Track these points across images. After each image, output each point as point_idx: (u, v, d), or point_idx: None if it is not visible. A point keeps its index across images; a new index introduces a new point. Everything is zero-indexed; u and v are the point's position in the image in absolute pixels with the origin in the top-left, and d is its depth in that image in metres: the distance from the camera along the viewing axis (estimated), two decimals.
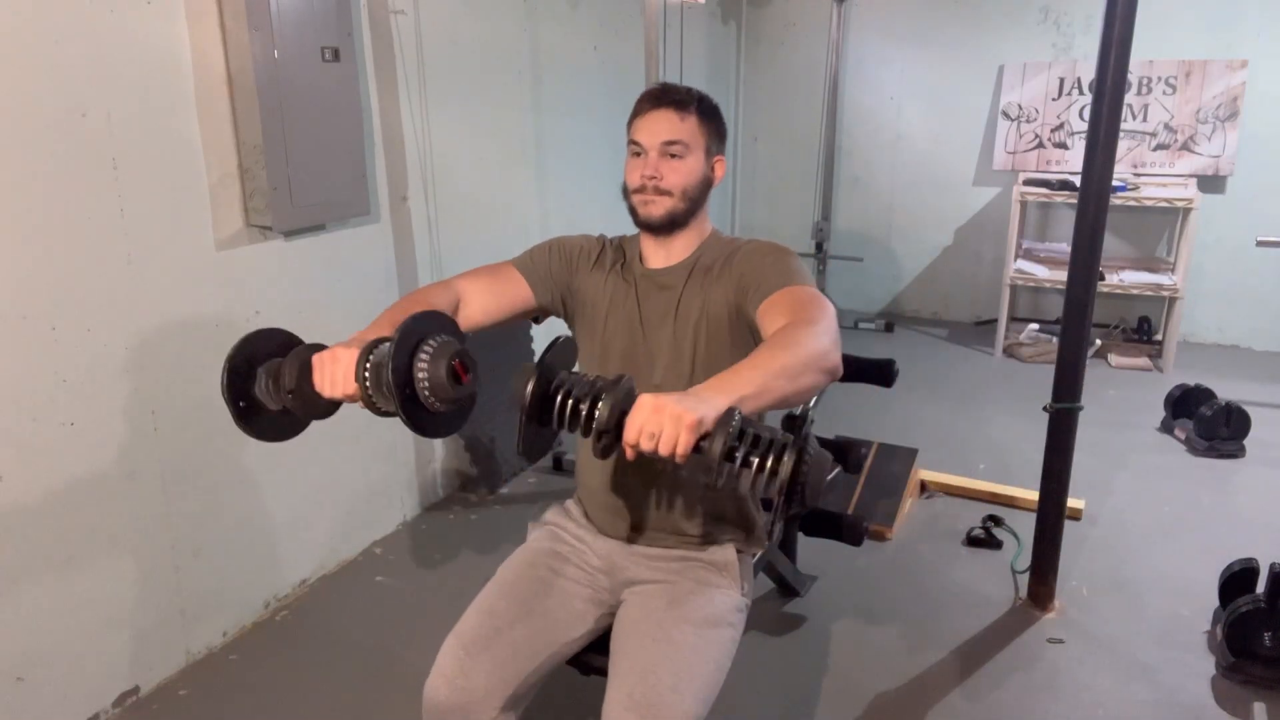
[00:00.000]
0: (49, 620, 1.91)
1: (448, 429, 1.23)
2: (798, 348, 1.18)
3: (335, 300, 2.56)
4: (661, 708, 1.26)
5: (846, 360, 2.70)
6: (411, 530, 2.92)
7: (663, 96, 1.49)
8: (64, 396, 1.88)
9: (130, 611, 2.08)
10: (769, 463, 1.02)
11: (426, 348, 1.15)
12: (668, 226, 1.50)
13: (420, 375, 1.14)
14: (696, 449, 1.03)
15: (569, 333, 1.60)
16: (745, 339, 1.47)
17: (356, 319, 2.64)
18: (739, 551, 1.56)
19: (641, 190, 1.48)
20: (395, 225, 2.74)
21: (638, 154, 1.49)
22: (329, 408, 1.25)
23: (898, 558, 2.73)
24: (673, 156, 1.47)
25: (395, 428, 2.86)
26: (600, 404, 1.07)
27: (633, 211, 1.52)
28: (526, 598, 1.47)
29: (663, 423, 1.01)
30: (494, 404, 3.19)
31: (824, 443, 2.47)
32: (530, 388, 1.10)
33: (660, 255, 1.54)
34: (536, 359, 1.14)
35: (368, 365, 1.16)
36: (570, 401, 1.11)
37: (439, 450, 3.06)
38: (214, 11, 2.07)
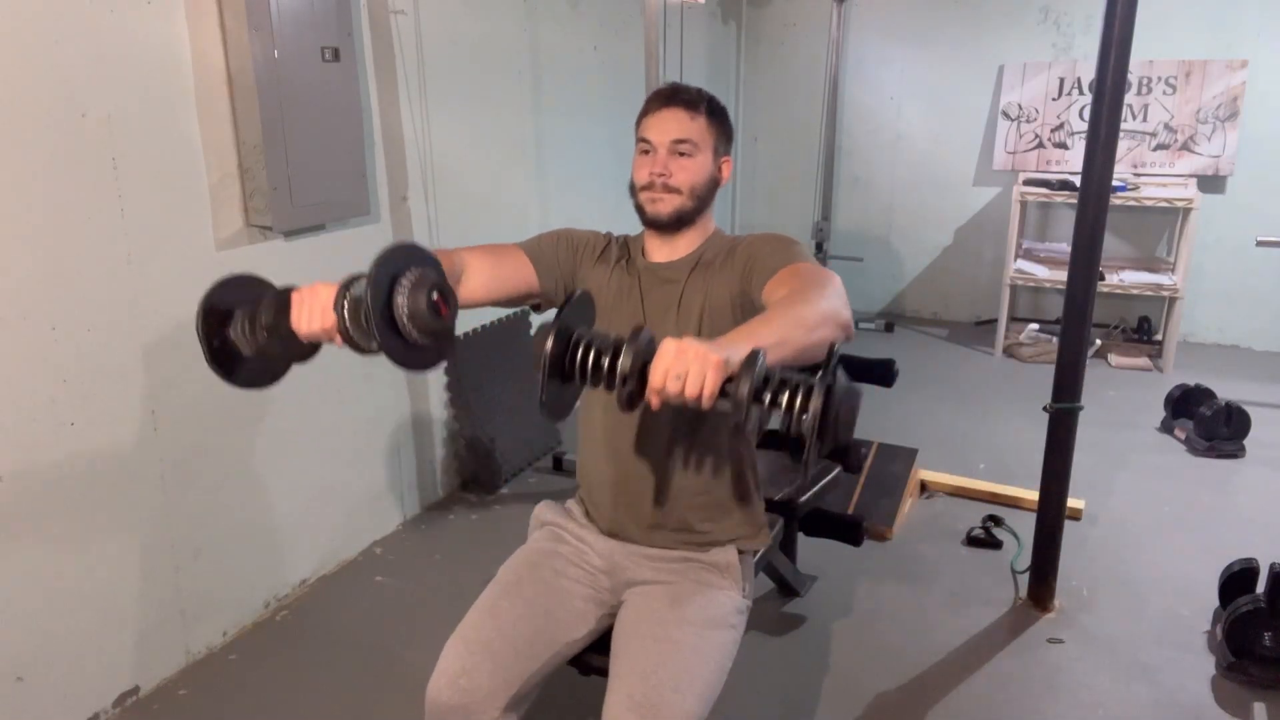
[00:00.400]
0: (49, 620, 1.91)
1: (425, 363, 1.21)
2: (812, 303, 1.20)
3: None
4: (662, 708, 1.26)
5: (847, 361, 2.71)
6: (411, 530, 2.92)
7: (673, 96, 1.50)
8: (64, 396, 1.88)
9: (130, 611, 2.08)
10: (798, 399, 1.00)
11: (405, 279, 1.13)
12: (674, 225, 1.51)
13: (400, 304, 1.12)
14: (723, 393, 1.01)
15: (587, 290, 1.59)
16: None
17: None
18: (740, 551, 1.56)
19: (650, 187, 1.49)
20: (395, 225, 2.74)
21: (646, 151, 1.49)
22: (307, 349, 1.24)
23: (898, 558, 2.73)
24: (681, 155, 1.48)
25: (395, 428, 2.86)
26: (623, 353, 1.05)
27: (639, 209, 1.53)
28: (529, 598, 1.47)
29: (688, 363, 1.00)
30: (494, 404, 3.19)
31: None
32: (550, 343, 1.07)
33: (664, 251, 1.54)
34: (555, 314, 1.11)
35: (346, 298, 1.14)
36: (591, 354, 1.08)
37: (439, 450, 3.06)
38: (214, 11, 2.07)
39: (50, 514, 1.89)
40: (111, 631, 2.04)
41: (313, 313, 1.17)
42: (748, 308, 1.43)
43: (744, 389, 0.99)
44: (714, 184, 1.53)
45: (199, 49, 2.07)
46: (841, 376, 1.02)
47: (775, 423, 1.05)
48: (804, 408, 0.99)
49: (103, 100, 1.88)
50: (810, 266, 1.36)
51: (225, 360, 1.24)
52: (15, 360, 1.79)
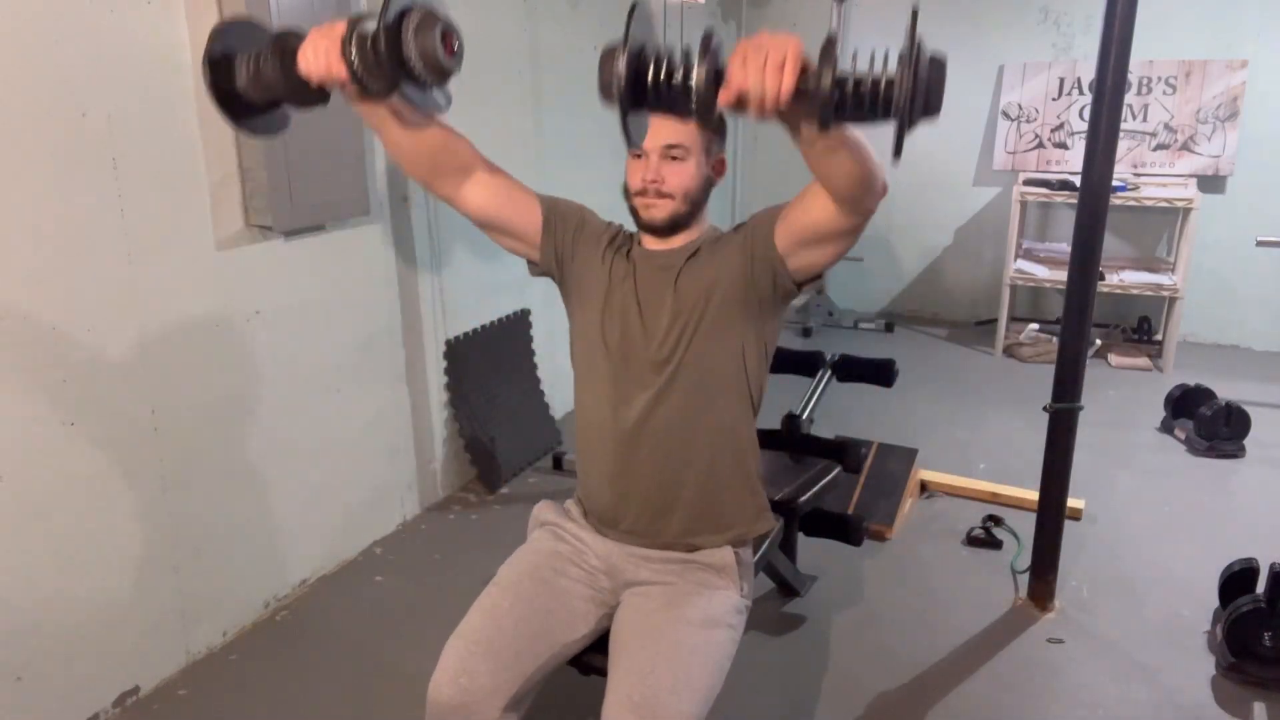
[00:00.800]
0: (49, 620, 1.91)
1: (431, 105, 1.22)
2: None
3: (335, 300, 2.56)
4: (660, 708, 1.26)
5: (847, 361, 2.71)
6: (411, 530, 2.92)
7: None
8: (64, 396, 1.88)
9: (130, 611, 2.08)
10: (883, 78, 0.97)
11: (413, 15, 1.12)
12: (669, 228, 1.51)
13: (409, 38, 1.11)
14: (799, 94, 0.98)
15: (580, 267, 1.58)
16: (753, 313, 1.47)
17: (357, 319, 2.65)
18: (737, 550, 1.55)
19: (643, 193, 1.49)
20: (395, 225, 2.74)
21: (638, 156, 1.48)
22: (313, 94, 1.22)
23: (898, 558, 2.73)
24: (674, 159, 1.47)
25: (395, 428, 2.86)
26: (698, 58, 1.02)
27: (634, 213, 1.52)
28: (529, 597, 1.47)
29: (766, 48, 0.98)
30: (494, 404, 3.19)
31: (824, 443, 2.49)
32: (622, 64, 1.03)
33: (660, 245, 1.54)
34: (623, 33, 1.05)
35: (354, 36, 1.13)
36: (664, 66, 1.05)
37: (439, 450, 3.06)
38: (214, 11, 2.07)
39: (50, 514, 1.88)
40: (111, 631, 2.04)
41: (318, 50, 1.16)
42: (760, 271, 1.43)
43: (827, 76, 0.95)
44: (708, 184, 1.53)
45: (199, 48, 2.05)
46: (923, 43, 0.98)
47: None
48: (889, 83, 0.96)
49: (103, 100, 1.88)
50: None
51: (228, 98, 1.23)
52: (15, 360, 1.79)
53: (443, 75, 1.15)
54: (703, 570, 1.51)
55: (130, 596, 2.07)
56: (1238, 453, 3.42)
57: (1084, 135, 2.22)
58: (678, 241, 1.53)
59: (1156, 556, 2.73)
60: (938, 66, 0.97)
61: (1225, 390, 3.64)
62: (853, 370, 2.60)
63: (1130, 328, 4.76)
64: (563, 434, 3.48)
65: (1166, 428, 3.67)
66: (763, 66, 0.98)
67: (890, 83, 0.96)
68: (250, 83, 1.22)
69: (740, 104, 1.02)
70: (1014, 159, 4.90)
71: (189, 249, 2.11)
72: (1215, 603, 2.38)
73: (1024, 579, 2.52)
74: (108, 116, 1.89)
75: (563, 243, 1.57)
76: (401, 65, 1.12)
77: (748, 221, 1.49)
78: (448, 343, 3.02)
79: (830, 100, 0.97)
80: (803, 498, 2.24)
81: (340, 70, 1.15)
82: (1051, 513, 2.39)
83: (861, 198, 1.26)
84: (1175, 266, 4.50)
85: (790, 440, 2.45)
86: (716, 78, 1.02)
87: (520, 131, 3.35)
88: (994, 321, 4.77)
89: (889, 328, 5.16)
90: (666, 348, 1.47)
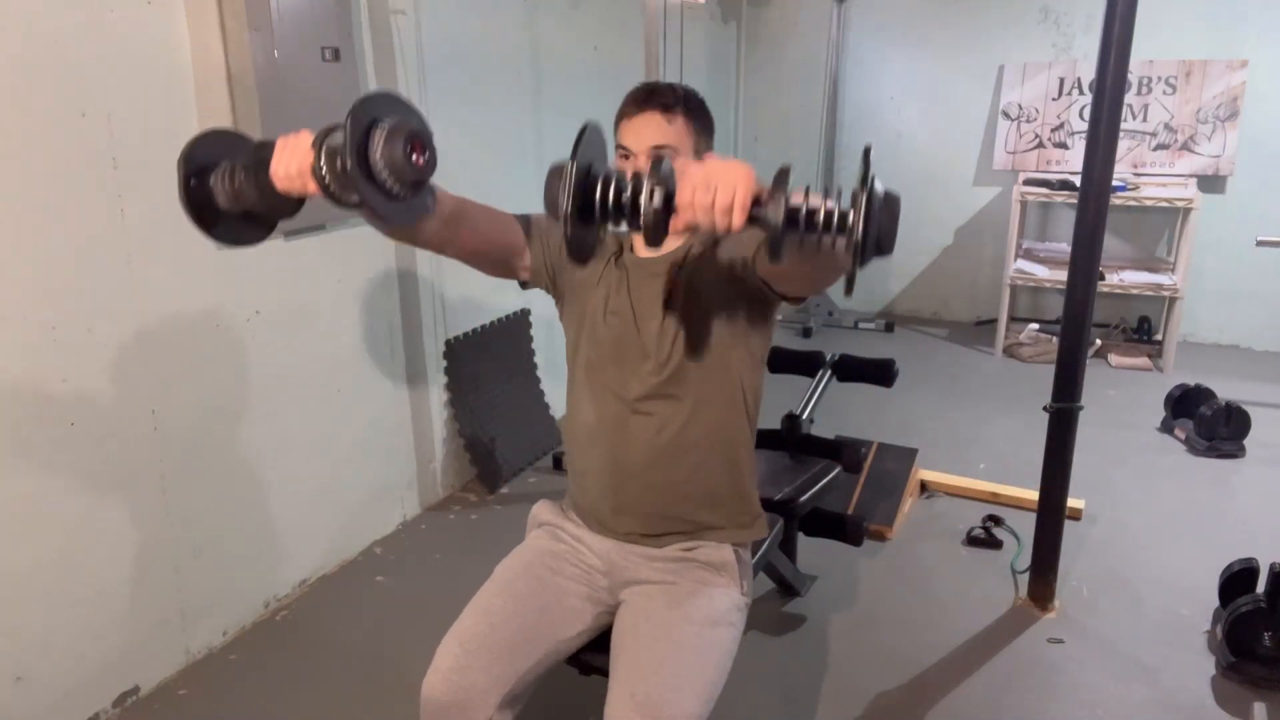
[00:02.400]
0: (49, 620, 1.91)
1: (401, 215, 1.18)
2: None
3: (335, 300, 2.56)
4: (664, 707, 1.26)
5: (846, 360, 2.71)
6: (411, 530, 2.92)
7: (648, 99, 1.46)
8: (64, 396, 1.88)
9: (130, 611, 2.08)
10: (835, 213, 0.95)
11: (382, 125, 1.11)
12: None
13: (376, 150, 1.09)
14: (752, 220, 0.97)
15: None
16: (742, 321, 1.46)
17: (357, 319, 2.65)
18: (737, 549, 1.55)
19: None
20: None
21: (626, 157, 1.47)
22: (286, 203, 1.22)
23: (898, 558, 2.73)
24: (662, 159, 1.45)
25: (395, 428, 2.86)
26: (646, 179, 1.01)
27: None
28: (524, 596, 1.47)
29: (718, 176, 0.97)
30: (494, 404, 3.19)
31: (824, 443, 2.49)
32: (570, 179, 1.03)
33: (651, 250, 1.53)
34: (571, 153, 1.05)
35: (324, 145, 1.12)
36: (612, 187, 1.04)
37: (439, 450, 3.06)
38: (214, 11, 2.07)
39: (50, 514, 1.88)
40: (112, 631, 2.04)
41: (290, 158, 1.15)
42: (748, 283, 1.42)
43: (778, 207, 0.94)
44: None
45: (199, 49, 2.07)
46: (878, 183, 0.96)
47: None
48: (841, 222, 0.94)
49: (103, 100, 1.88)
50: None
51: (202, 209, 1.23)
52: (15, 360, 1.79)
53: (415, 185, 1.14)
54: (703, 569, 1.51)
55: (130, 596, 2.07)
56: (1238, 453, 3.41)
57: (1084, 135, 2.22)
58: (669, 244, 1.52)
59: (1156, 556, 2.73)
60: (891, 205, 0.96)
61: (1225, 390, 3.64)
62: (853, 370, 2.60)
63: (1130, 328, 4.76)
64: (562, 434, 3.48)
65: (1166, 428, 3.67)
66: (711, 206, 0.98)
67: (842, 219, 0.95)
68: (226, 194, 1.21)
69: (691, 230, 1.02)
70: (1014, 159, 4.90)
71: (189, 249, 2.11)
72: (1215, 603, 2.38)
73: (1024, 579, 2.52)
74: (108, 116, 1.89)
75: (552, 256, 1.56)
76: (371, 178, 1.10)
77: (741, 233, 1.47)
78: (448, 343, 3.02)
79: (780, 237, 0.97)
80: (803, 498, 2.23)
81: (311, 184, 1.15)
82: (1051, 513, 2.39)
83: (821, 285, 1.26)
84: (1175, 266, 4.50)
85: (790, 440, 2.45)
86: (666, 202, 1.01)
87: (520, 131, 3.35)
88: (994, 321, 4.77)
89: (889, 328, 5.16)
90: (660, 355, 1.47)
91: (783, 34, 5.39)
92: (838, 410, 3.63)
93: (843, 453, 2.42)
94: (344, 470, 2.68)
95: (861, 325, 5.20)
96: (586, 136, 1.08)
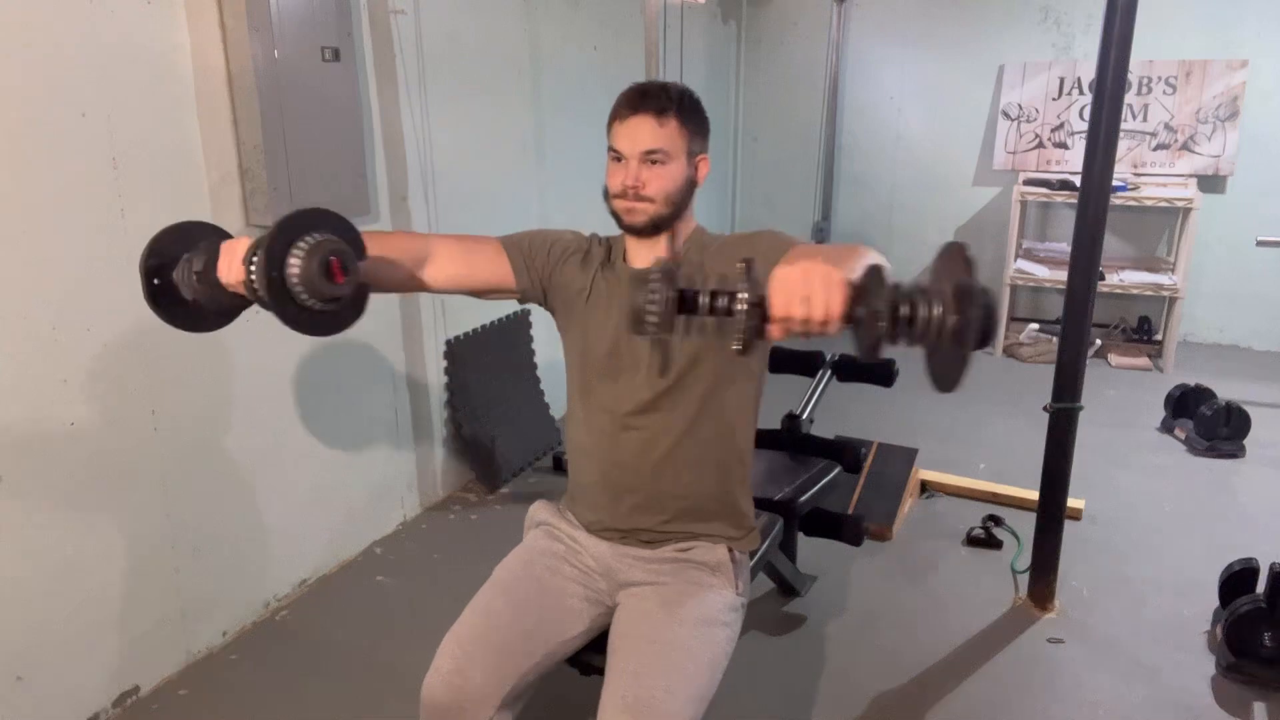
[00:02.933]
0: (49, 620, 1.91)
1: (326, 328, 1.20)
2: (860, 255, 1.12)
3: None
4: (655, 706, 1.26)
5: (846, 360, 2.70)
6: (411, 530, 2.92)
7: (640, 102, 1.44)
8: (64, 396, 1.88)
9: (130, 611, 2.08)
10: (935, 311, 0.91)
11: (304, 241, 1.13)
12: (652, 231, 1.49)
13: (292, 264, 1.12)
14: (848, 318, 0.95)
15: (563, 289, 1.56)
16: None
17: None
18: (732, 549, 1.55)
19: (623, 196, 1.45)
20: (395, 225, 2.74)
21: (618, 159, 1.46)
22: (229, 303, 1.25)
23: (898, 558, 2.73)
24: (654, 163, 1.43)
25: (395, 428, 2.86)
26: (739, 292, 0.98)
27: (615, 216, 1.50)
28: (523, 597, 1.47)
29: (812, 285, 0.95)
30: (494, 403, 3.19)
31: (824, 443, 2.49)
32: (662, 290, 1.00)
33: (645, 254, 1.52)
34: (660, 265, 1.02)
35: (254, 257, 1.14)
36: (704, 297, 1.01)
37: (439, 450, 3.06)
38: (214, 11, 2.07)
39: (50, 513, 1.88)
40: (112, 631, 2.04)
41: (230, 266, 1.19)
42: None
43: (879, 303, 0.92)
44: (690, 185, 1.49)
45: (199, 49, 2.07)
46: (975, 275, 0.94)
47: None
48: (942, 319, 0.91)
49: (103, 100, 1.88)
50: (824, 245, 1.34)
51: (165, 300, 1.28)
52: (15, 360, 1.79)
53: (331, 300, 1.15)
54: (698, 569, 1.51)
55: (130, 596, 2.07)
56: (1238, 453, 3.41)
57: (1084, 135, 2.22)
58: (662, 250, 1.52)
59: (1156, 556, 2.73)
60: (987, 302, 0.93)
61: (1225, 390, 3.64)
62: (853, 370, 2.60)
63: (1130, 328, 4.76)
64: (562, 434, 3.48)
65: (1166, 428, 3.67)
66: (807, 319, 0.96)
67: (941, 322, 0.92)
68: (189, 289, 1.26)
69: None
70: (1014, 159, 4.90)
71: None
72: (1215, 603, 2.38)
73: (1024, 579, 2.52)
74: (108, 116, 1.89)
75: (542, 274, 1.55)
76: (284, 291, 1.12)
77: (742, 245, 1.44)
78: (448, 343, 3.02)
79: (878, 333, 0.94)
80: (803, 498, 2.23)
81: (242, 279, 1.17)
82: (1051, 513, 2.39)
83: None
84: (1175, 266, 4.50)
85: (790, 440, 2.45)
86: (759, 311, 0.98)
87: (520, 131, 3.35)
88: None
89: None
90: (653, 366, 1.47)
91: (783, 34, 5.38)
92: (838, 410, 3.63)
93: (843, 453, 2.42)
94: (344, 470, 2.68)
95: None
96: (664, 266, 1.04)
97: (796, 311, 0.95)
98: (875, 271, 0.95)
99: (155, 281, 1.25)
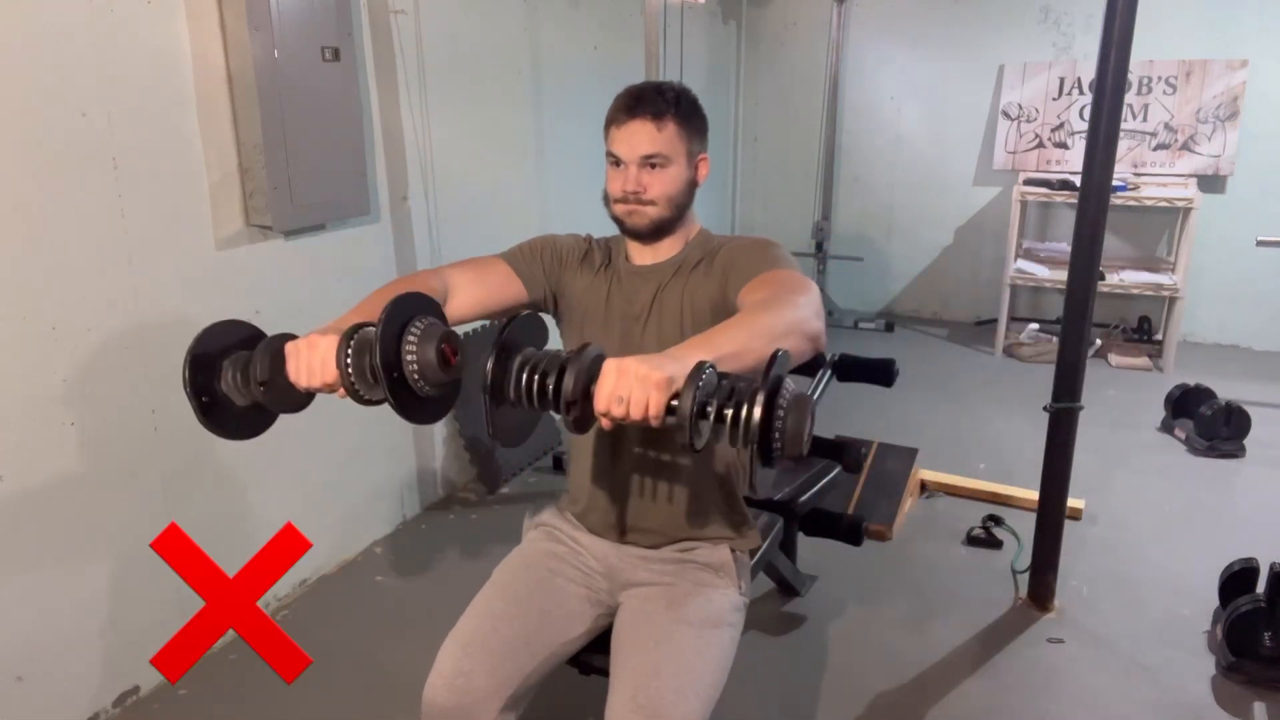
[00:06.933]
0: (49, 620, 1.91)
1: (435, 415, 1.18)
2: (779, 312, 1.16)
3: (335, 300, 2.54)
4: (665, 708, 1.26)
5: (846, 360, 2.70)
6: (411, 530, 2.92)
7: (636, 107, 1.42)
8: (64, 396, 1.88)
9: (130, 611, 2.08)
10: (741, 413, 0.95)
11: (414, 329, 1.11)
12: (654, 234, 1.49)
13: (409, 358, 1.09)
14: (670, 411, 0.98)
15: (569, 294, 1.56)
16: None
17: None
18: (734, 549, 1.55)
19: (624, 201, 1.45)
20: (395, 225, 2.74)
21: (617, 164, 1.45)
22: (303, 399, 1.21)
23: (898, 558, 2.73)
24: (654, 167, 1.43)
25: (397, 428, 2.86)
26: (565, 375, 1.01)
27: (617, 220, 1.50)
28: (523, 598, 1.47)
29: (630, 385, 0.97)
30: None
31: (824, 442, 2.48)
32: (490, 366, 1.05)
33: (646, 255, 1.52)
34: (498, 336, 1.08)
35: (349, 351, 1.10)
36: (536, 377, 1.05)
37: (439, 450, 3.06)
38: (214, 11, 2.07)
39: (50, 513, 1.88)
40: (111, 631, 2.04)
41: (312, 367, 1.12)
42: (728, 313, 1.40)
43: (686, 405, 0.95)
44: (691, 187, 1.49)
45: (199, 49, 2.07)
46: (788, 385, 0.97)
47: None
48: (746, 420, 0.95)
49: (103, 100, 1.88)
50: (787, 273, 1.32)
51: (215, 412, 1.20)
52: (15, 360, 1.79)
53: (441, 387, 1.14)
54: (701, 570, 1.51)
55: (130, 596, 2.07)
56: (1238, 453, 3.41)
57: (1084, 135, 2.22)
58: (664, 251, 1.51)
59: (1156, 556, 2.73)
60: (795, 409, 0.95)
61: (1225, 390, 3.64)
62: (853, 370, 2.59)
63: (1130, 327, 4.76)
64: (562, 434, 3.48)
65: (1166, 428, 3.67)
66: (626, 406, 0.98)
67: (749, 421, 0.95)
68: (233, 386, 1.20)
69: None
70: (1014, 159, 4.90)
71: (189, 249, 2.11)
72: (1215, 603, 2.38)
73: (1024, 579, 2.52)
74: (108, 116, 1.89)
75: (550, 281, 1.55)
76: (400, 374, 1.10)
77: (731, 257, 1.44)
78: None
79: (692, 436, 0.97)
80: (803, 498, 2.23)
81: (334, 381, 1.13)
82: (1051, 513, 2.39)
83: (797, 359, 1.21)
84: (1175, 266, 4.50)
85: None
86: (588, 391, 1.01)
87: (520, 131, 3.35)
88: (994, 321, 4.77)
89: (889, 328, 5.16)
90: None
91: (783, 34, 5.38)
92: (838, 410, 3.63)
93: (843, 453, 2.41)
94: (344, 470, 2.67)
95: (861, 325, 5.20)
96: (517, 322, 1.12)
97: (615, 410, 0.98)
98: (694, 373, 0.96)
99: (204, 399, 1.18)
